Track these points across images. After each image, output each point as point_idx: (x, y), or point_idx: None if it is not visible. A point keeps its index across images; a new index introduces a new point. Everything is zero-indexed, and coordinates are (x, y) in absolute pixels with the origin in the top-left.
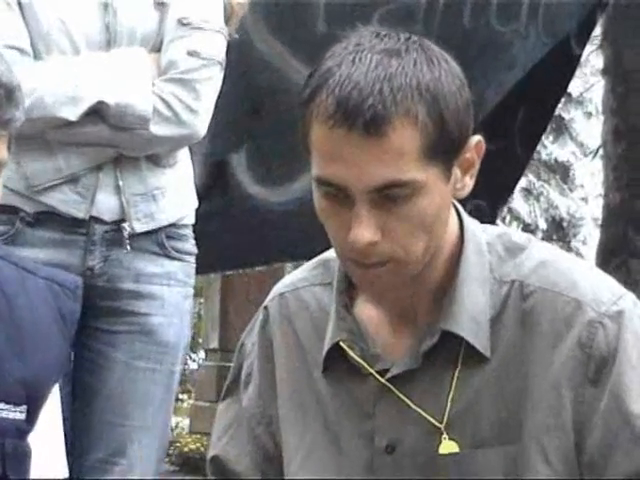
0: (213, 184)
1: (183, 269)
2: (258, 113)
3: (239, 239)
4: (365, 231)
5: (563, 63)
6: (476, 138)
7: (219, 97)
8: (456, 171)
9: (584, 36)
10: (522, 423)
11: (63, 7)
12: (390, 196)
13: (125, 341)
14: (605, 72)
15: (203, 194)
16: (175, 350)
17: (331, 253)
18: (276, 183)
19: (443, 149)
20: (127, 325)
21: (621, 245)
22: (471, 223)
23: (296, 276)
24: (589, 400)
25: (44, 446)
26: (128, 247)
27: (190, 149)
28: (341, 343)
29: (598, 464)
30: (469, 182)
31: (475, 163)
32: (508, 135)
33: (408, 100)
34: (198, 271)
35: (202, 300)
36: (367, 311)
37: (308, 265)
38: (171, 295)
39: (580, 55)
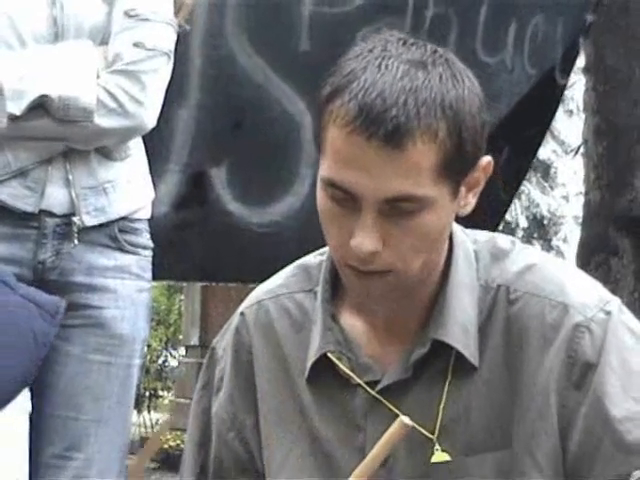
0: (191, 195)
1: (137, 262)
2: (239, 128)
3: (214, 252)
4: (368, 240)
5: (547, 95)
6: (486, 159)
7: (199, 110)
8: (462, 189)
9: (568, 65)
10: (512, 428)
11: (9, 2)
12: (398, 208)
13: (79, 335)
14: (586, 70)
15: (180, 203)
16: (131, 343)
17: (310, 259)
18: (256, 203)
19: (457, 168)
20: (80, 319)
21: (602, 243)
22: (459, 230)
23: (275, 282)
24: (572, 404)
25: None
26: (76, 241)
27: (168, 159)
28: (329, 355)
29: (580, 468)
30: (472, 200)
31: (481, 182)
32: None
33: (431, 116)
34: (171, 278)
35: (182, 297)
36: (353, 320)
37: (287, 271)
38: (124, 288)
39: (565, 85)
